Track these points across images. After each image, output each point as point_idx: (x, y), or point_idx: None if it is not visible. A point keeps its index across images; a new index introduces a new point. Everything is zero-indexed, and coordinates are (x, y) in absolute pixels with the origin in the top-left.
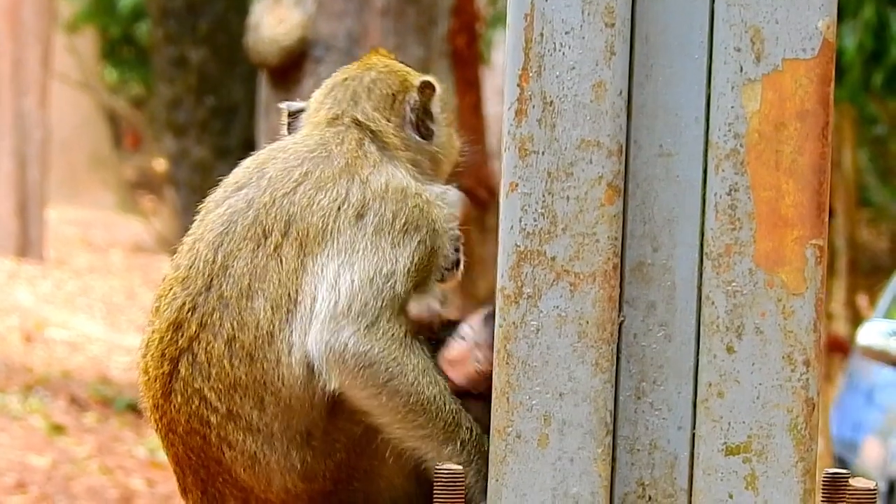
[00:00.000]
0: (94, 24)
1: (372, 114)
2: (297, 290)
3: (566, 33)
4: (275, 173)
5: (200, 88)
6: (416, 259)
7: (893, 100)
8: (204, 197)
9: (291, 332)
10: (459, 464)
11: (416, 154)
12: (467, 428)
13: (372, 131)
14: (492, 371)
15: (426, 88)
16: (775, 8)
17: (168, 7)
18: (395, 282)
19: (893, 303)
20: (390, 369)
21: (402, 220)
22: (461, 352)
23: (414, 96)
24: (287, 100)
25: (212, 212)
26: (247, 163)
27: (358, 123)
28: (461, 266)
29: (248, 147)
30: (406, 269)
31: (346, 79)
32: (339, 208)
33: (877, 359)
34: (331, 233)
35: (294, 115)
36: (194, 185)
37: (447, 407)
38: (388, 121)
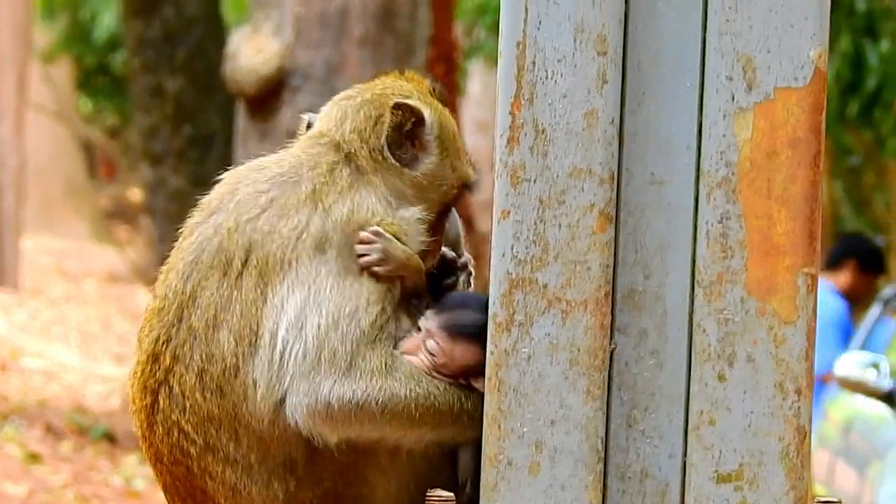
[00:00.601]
0: (69, 53)
1: (349, 135)
2: (257, 324)
3: (558, 61)
4: (243, 196)
5: (177, 117)
6: (380, 291)
7: (869, 130)
8: (180, 226)
9: (254, 367)
10: (470, 436)
11: (394, 178)
12: (465, 398)
13: (346, 154)
14: (452, 359)
15: (398, 110)
16: (767, 37)
17: (145, 36)
18: (361, 319)
19: (870, 334)
20: (380, 400)
21: None
22: (413, 343)
23: (390, 118)
24: (263, 129)
25: (186, 239)
26: (225, 179)
27: (336, 144)
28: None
29: None
30: (370, 302)
31: (347, 97)
32: (297, 238)
33: (854, 390)
34: (289, 263)
35: (310, 128)
36: (171, 214)
37: (442, 395)
38: (366, 142)
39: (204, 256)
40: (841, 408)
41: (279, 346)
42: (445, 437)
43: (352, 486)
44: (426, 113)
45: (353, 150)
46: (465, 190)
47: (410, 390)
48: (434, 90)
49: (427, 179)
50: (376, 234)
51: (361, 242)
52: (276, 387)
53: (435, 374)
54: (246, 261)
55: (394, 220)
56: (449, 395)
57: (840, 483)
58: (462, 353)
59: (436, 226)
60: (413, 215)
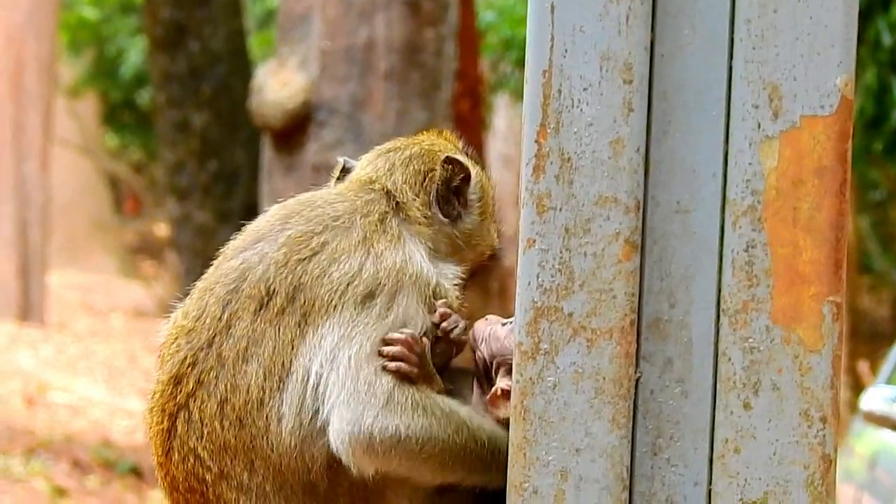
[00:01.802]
0: (95, 89)
1: (402, 186)
2: (290, 361)
3: (584, 90)
4: (295, 233)
5: (203, 152)
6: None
7: (894, 165)
8: (207, 260)
9: (282, 402)
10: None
11: (438, 232)
12: (503, 447)
13: (398, 203)
14: None
15: (448, 164)
16: (793, 65)
17: (171, 71)
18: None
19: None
20: (420, 438)
21: (407, 300)
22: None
23: (440, 173)
24: (289, 163)
25: (227, 261)
26: (273, 211)
27: (387, 193)
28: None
29: (251, 211)
30: None
31: (393, 149)
32: (348, 283)
33: (880, 424)
34: (335, 307)
35: (345, 171)
36: (196, 249)
37: (483, 440)
38: (416, 195)
39: (245, 286)
40: (867, 442)
41: (312, 380)
42: (478, 482)
43: None
44: (473, 171)
45: (404, 202)
46: (493, 257)
47: (448, 435)
48: (468, 153)
49: (465, 237)
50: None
51: (443, 318)
52: (306, 418)
53: None
54: (291, 299)
55: (437, 276)
56: (485, 448)
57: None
58: None
59: (463, 287)
60: (454, 273)
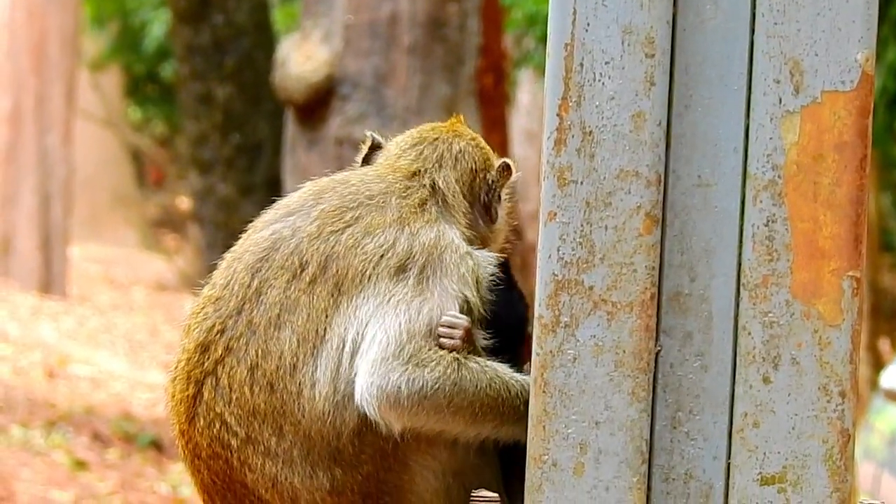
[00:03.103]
0: (118, 61)
1: (453, 184)
2: (325, 329)
3: (606, 63)
4: (328, 207)
5: (226, 125)
6: (453, 306)
7: None
8: (229, 234)
9: (315, 368)
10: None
11: (475, 225)
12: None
13: (445, 200)
14: None
15: (506, 171)
16: (815, 40)
17: (194, 44)
18: (432, 320)
19: None
20: (448, 391)
21: (447, 272)
22: None
23: (493, 176)
24: (312, 137)
25: (258, 232)
26: (307, 187)
27: (434, 187)
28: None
29: (274, 184)
30: (443, 310)
31: (436, 139)
32: (381, 256)
33: None
34: (369, 278)
35: (374, 147)
36: (219, 222)
37: (516, 390)
38: (464, 196)
39: (277, 255)
40: (887, 420)
41: (347, 347)
42: (506, 436)
43: (392, 472)
44: (514, 175)
45: (449, 195)
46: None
47: (478, 387)
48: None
49: (495, 236)
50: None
51: (443, 326)
52: (341, 384)
53: None
54: (324, 269)
55: (476, 255)
56: (515, 396)
57: (886, 494)
58: None
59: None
60: (490, 259)
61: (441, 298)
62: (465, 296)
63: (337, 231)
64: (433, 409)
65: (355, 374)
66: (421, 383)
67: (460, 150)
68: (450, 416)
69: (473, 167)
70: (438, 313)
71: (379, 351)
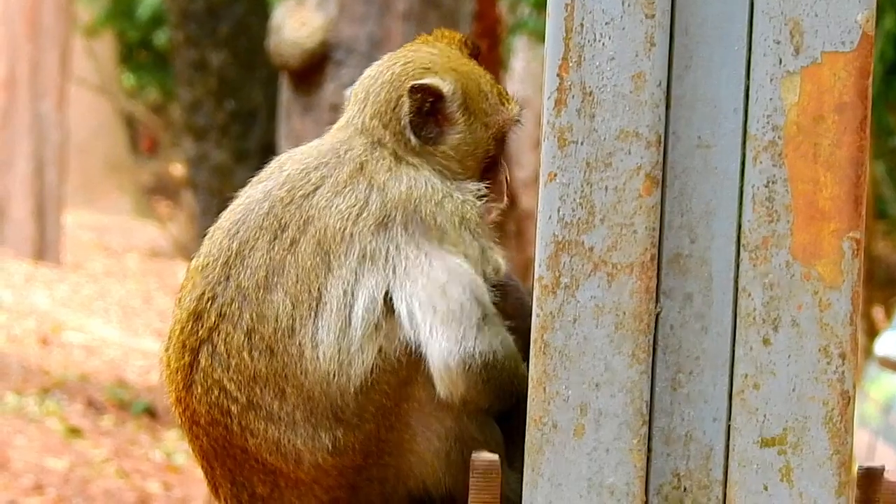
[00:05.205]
0: (112, 28)
1: (370, 122)
2: (318, 289)
3: (606, 24)
4: (292, 171)
5: (220, 92)
6: (468, 254)
7: None
8: (223, 200)
9: (317, 329)
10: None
11: (429, 156)
12: None
13: (375, 140)
14: None
15: (417, 93)
16: (815, 1)
17: (188, 10)
18: (474, 281)
19: None
20: (508, 368)
21: (440, 222)
22: None
23: (406, 102)
24: (307, 103)
25: (234, 202)
26: (268, 164)
27: (362, 132)
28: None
29: (268, 150)
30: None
31: (371, 76)
32: (357, 215)
33: (895, 370)
34: (350, 236)
35: None
36: (213, 188)
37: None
38: (386, 128)
39: (251, 217)
40: (881, 387)
41: (358, 306)
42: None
43: (394, 431)
44: (445, 88)
45: (376, 139)
46: (513, 129)
47: (520, 370)
48: (466, 43)
49: (460, 150)
50: None
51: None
52: (347, 344)
53: None
54: (303, 230)
55: (461, 196)
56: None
57: (880, 462)
58: None
59: (492, 172)
60: (474, 188)
61: (449, 255)
62: (460, 240)
63: (308, 194)
64: (494, 383)
65: (408, 337)
66: (491, 352)
67: (384, 81)
68: (493, 385)
69: (391, 96)
70: (463, 268)
71: (442, 316)
